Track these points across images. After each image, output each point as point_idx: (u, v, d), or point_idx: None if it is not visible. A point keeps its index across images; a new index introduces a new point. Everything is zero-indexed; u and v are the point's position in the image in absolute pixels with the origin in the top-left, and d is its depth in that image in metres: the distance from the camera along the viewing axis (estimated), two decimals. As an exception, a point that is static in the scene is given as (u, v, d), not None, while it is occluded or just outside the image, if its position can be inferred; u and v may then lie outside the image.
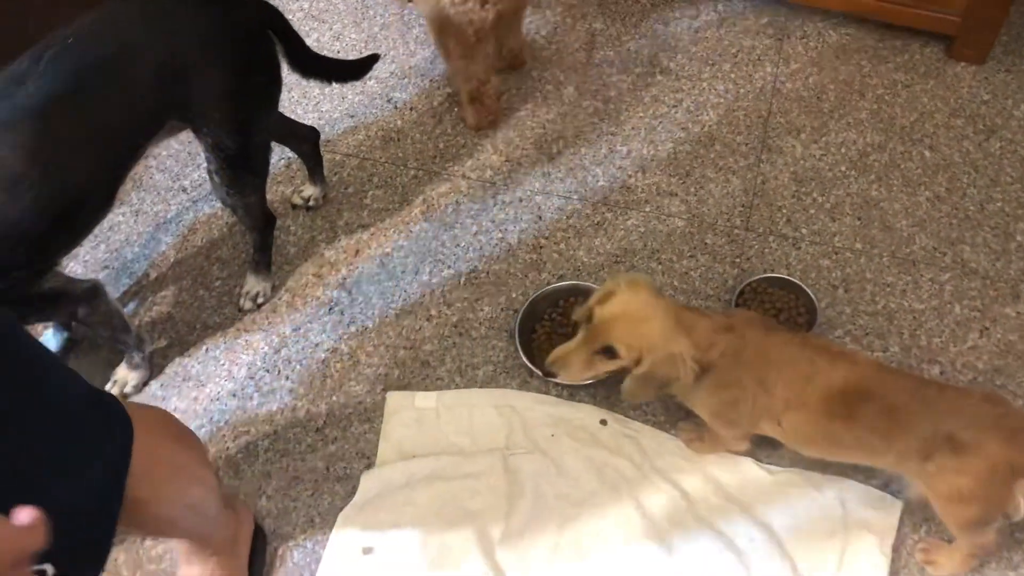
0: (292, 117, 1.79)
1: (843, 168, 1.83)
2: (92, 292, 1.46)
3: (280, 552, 1.48)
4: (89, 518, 0.94)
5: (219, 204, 1.86)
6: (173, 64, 1.31)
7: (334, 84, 1.92)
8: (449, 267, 1.76)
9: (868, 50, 1.98)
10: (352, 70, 1.70)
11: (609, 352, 1.30)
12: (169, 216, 1.86)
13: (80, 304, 1.45)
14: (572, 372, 1.34)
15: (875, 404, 1.27)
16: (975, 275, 1.68)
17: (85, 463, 0.93)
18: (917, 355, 1.61)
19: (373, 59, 1.73)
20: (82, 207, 1.35)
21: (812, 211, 1.78)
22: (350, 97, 1.99)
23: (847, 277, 1.70)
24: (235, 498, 1.44)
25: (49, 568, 0.86)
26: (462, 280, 1.74)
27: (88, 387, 0.98)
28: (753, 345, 1.31)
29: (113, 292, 1.75)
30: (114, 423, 0.98)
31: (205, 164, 1.47)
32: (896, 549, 1.42)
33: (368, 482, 1.52)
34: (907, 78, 1.93)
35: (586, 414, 1.57)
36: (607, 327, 1.29)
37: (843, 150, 1.85)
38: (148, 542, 1.46)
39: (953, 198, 1.77)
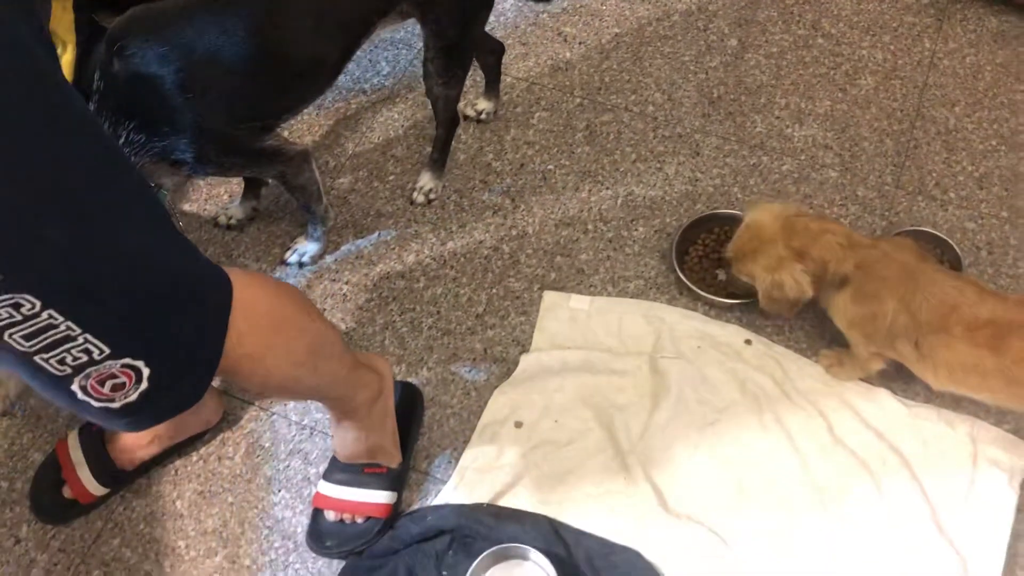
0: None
1: (994, 142, 1.89)
2: (302, 156, 1.60)
3: (438, 417, 1.61)
4: (191, 339, 1.02)
5: (396, 110, 2.00)
6: None
7: (526, 5, 2.05)
8: (607, 188, 1.87)
9: (1027, 38, 2.05)
10: None
11: None
12: (349, 113, 2.00)
13: (289, 165, 1.58)
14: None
15: (1024, 336, 1.35)
16: (1119, 254, 1.74)
17: (189, 294, 1.01)
18: (1056, 319, 1.67)
19: None
20: (316, 72, 1.48)
21: (961, 178, 1.85)
22: (522, 27, 2.11)
23: (991, 241, 1.77)
24: (375, 359, 1.48)
25: (144, 368, 0.96)
26: (619, 201, 1.85)
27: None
28: (898, 264, 1.41)
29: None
30: (216, 272, 1.05)
31: (423, 53, 1.60)
32: None
33: (525, 363, 1.64)
34: (1064, 68, 2.00)
35: (731, 333, 1.67)
36: (734, 262, 1.54)
37: (995, 126, 1.92)
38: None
39: (1102, 182, 1.83)
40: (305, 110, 1.99)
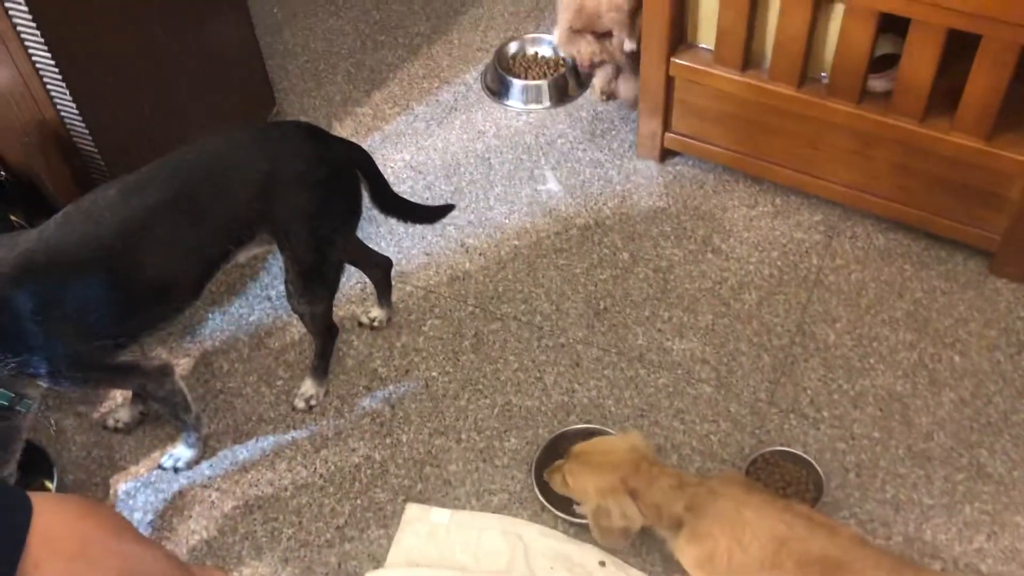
0: (374, 247, 2.02)
1: (872, 360, 1.91)
2: (161, 371, 1.66)
3: (280, 635, 1.58)
4: None
5: (295, 317, 2.08)
6: (270, 184, 1.55)
7: (412, 224, 2.16)
8: (486, 397, 1.90)
9: (912, 256, 2.09)
10: (427, 215, 1.95)
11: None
12: (251, 319, 2.09)
13: (148, 379, 1.65)
14: (555, 483, 1.61)
15: (850, 577, 1.32)
16: (990, 479, 1.71)
17: None
18: (920, 548, 1.63)
19: (448, 208, 1.97)
20: (170, 296, 1.57)
21: (836, 396, 1.85)
22: (429, 238, 2.22)
23: (860, 463, 1.75)
24: (212, 572, 1.48)
25: None
26: (496, 411, 1.88)
27: None
28: (725, 500, 1.40)
29: (190, 378, 1.97)
30: (14, 494, 1.04)
31: (284, 274, 1.69)
32: None
33: (371, 581, 1.62)
34: (947, 286, 2.03)
35: (587, 553, 1.65)
36: (569, 461, 1.57)
37: (875, 344, 1.94)
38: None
39: (977, 403, 1.82)
40: (208, 315, 2.09)
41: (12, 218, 2.02)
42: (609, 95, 2.50)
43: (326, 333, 1.84)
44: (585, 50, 2.23)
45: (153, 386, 1.65)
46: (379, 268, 1.97)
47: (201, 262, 1.56)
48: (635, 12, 2.14)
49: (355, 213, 1.70)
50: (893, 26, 1.85)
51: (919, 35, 1.78)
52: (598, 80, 2.50)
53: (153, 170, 1.54)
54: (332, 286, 1.74)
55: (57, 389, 1.57)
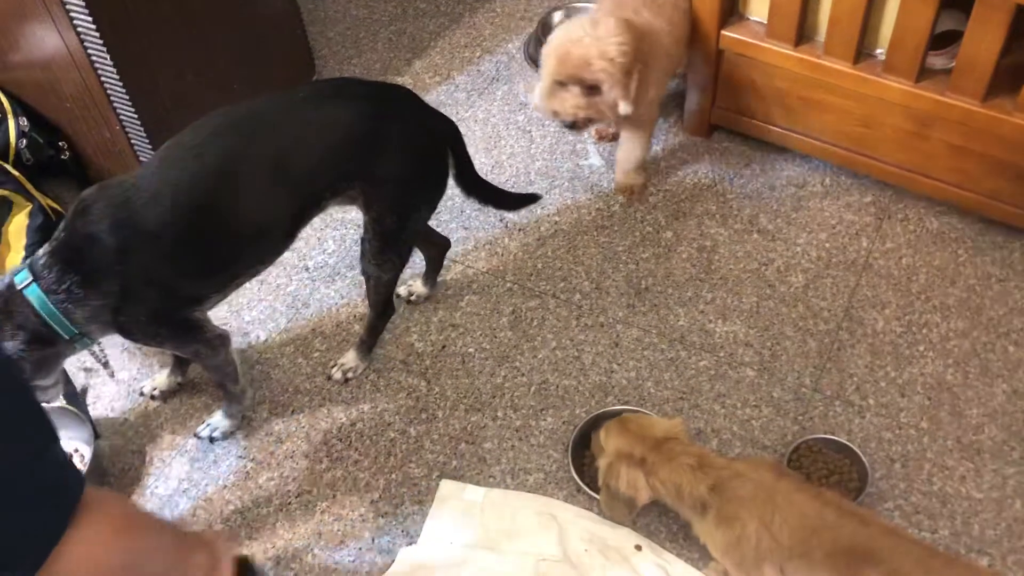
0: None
1: (921, 348, 1.85)
2: (220, 339, 1.67)
3: (313, 607, 1.58)
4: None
5: (333, 288, 2.07)
6: (375, 142, 1.56)
7: (489, 208, 2.06)
8: (523, 375, 1.88)
9: (967, 241, 2.02)
10: (509, 201, 1.95)
11: None
12: (289, 290, 2.08)
13: (207, 345, 1.65)
14: (598, 437, 1.59)
15: (880, 567, 1.28)
16: (1042, 475, 1.66)
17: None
18: (967, 543, 1.58)
19: (533, 198, 1.94)
20: (264, 238, 1.58)
21: (883, 384, 1.80)
22: (468, 212, 2.19)
23: (907, 453, 1.70)
24: (212, 542, 1.33)
25: None
26: (532, 389, 1.85)
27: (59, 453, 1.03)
28: (754, 484, 1.37)
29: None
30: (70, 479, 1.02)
31: (362, 232, 1.68)
32: None
33: (405, 556, 1.61)
34: (1002, 273, 1.96)
35: (623, 536, 1.62)
36: (613, 420, 1.57)
37: (924, 331, 1.88)
38: None
39: (1031, 395, 1.76)
40: (245, 284, 2.08)
41: (46, 202, 2.04)
42: (605, 137, 2.27)
43: (383, 307, 1.82)
44: (569, 103, 1.87)
45: (208, 352, 1.65)
46: (436, 247, 1.95)
47: (295, 204, 1.55)
48: (631, 70, 1.83)
49: (441, 188, 1.70)
50: (956, 1, 1.77)
51: (984, 11, 1.70)
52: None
53: (259, 105, 1.54)
54: (404, 255, 1.75)
55: (126, 338, 1.58)
